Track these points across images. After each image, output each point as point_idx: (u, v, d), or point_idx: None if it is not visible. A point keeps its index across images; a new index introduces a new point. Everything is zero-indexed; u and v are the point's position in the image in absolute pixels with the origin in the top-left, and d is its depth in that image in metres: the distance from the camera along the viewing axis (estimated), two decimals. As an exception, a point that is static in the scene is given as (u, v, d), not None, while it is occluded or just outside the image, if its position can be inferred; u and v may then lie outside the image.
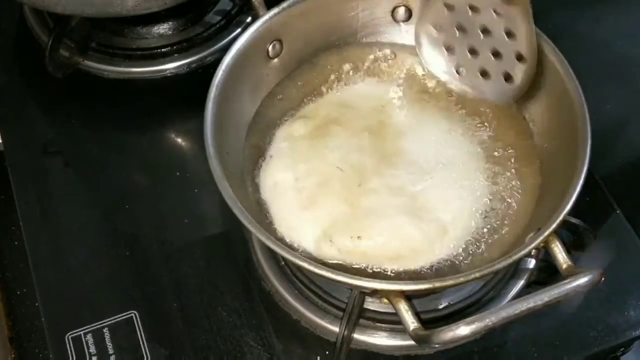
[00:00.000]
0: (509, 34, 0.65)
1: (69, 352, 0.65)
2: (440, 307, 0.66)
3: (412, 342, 0.54)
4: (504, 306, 0.52)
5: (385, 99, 0.72)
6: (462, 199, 0.64)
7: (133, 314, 0.68)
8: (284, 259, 0.68)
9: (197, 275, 0.70)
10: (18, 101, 0.84)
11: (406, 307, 0.54)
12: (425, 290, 0.57)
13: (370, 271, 0.61)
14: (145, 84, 0.84)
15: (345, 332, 0.63)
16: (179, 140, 0.82)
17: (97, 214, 0.75)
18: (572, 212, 0.56)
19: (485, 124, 0.69)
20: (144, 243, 0.72)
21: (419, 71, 0.73)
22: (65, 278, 0.70)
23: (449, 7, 0.68)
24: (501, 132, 0.69)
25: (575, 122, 0.61)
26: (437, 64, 0.71)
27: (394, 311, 0.55)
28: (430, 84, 0.72)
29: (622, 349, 0.70)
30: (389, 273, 0.61)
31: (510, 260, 0.54)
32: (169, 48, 0.85)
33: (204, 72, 0.84)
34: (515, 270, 0.69)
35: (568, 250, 0.56)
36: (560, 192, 0.57)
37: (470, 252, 0.62)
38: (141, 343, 0.66)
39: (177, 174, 0.77)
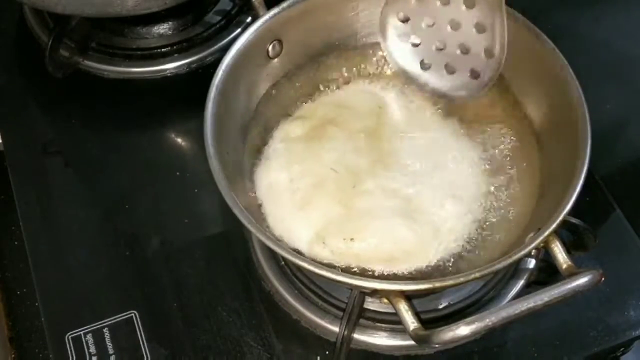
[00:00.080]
0: (479, 29, 0.64)
1: (69, 352, 0.65)
2: (440, 307, 0.66)
3: (412, 342, 0.54)
4: (504, 306, 0.52)
5: (383, 100, 0.72)
6: (458, 201, 0.64)
7: (133, 314, 0.68)
8: (284, 259, 0.68)
9: (197, 275, 0.70)
10: (18, 101, 0.84)
11: (406, 307, 0.54)
12: (425, 290, 0.57)
13: (362, 272, 0.61)
14: (145, 84, 0.84)
15: (345, 332, 0.63)
16: (179, 140, 0.82)
17: (97, 214, 0.75)
18: (572, 212, 0.56)
19: (484, 124, 0.69)
20: (144, 243, 0.72)
21: (419, 71, 0.73)
22: (65, 278, 0.70)
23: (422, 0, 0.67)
24: (500, 132, 0.69)
25: (575, 122, 0.61)
26: (401, 56, 0.71)
27: (394, 311, 0.55)
28: (429, 84, 0.72)
29: (622, 349, 0.70)
30: (382, 274, 0.61)
31: (510, 260, 0.54)
32: (169, 48, 0.85)
33: (204, 72, 0.84)
34: (515, 270, 0.69)
35: (568, 250, 0.56)
36: (560, 192, 0.57)
37: (467, 253, 0.62)
38: (141, 343, 0.66)
39: (177, 174, 0.77)
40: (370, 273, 0.61)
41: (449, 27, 0.66)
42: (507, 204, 0.65)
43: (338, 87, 0.73)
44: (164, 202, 0.75)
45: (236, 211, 0.56)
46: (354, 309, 0.63)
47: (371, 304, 0.66)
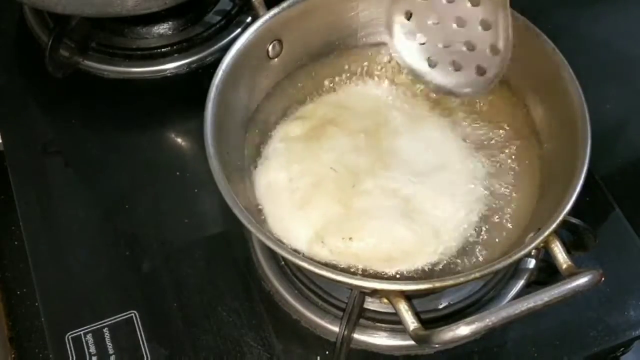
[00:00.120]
0: (485, 26, 0.64)
1: (69, 352, 0.65)
2: (440, 307, 0.66)
3: (412, 342, 0.54)
4: (504, 306, 0.52)
5: (383, 100, 0.72)
6: (457, 201, 0.64)
7: (133, 314, 0.68)
8: (284, 259, 0.68)
9: (197, 275, 0.70)
10: (18, 101, 0.84)
11: (406, 307, 0.54)
12: (425, 290, 0.57)
13: (360, 272, 0.61)
14: (145, 84, 0.84)
15: (345, 332, 0.63)
16: (179, 140, 0.82)
17: (97, 214, 0.75)
18: (572, 212, 0.56)
19: (484, 125, 0.69)
20: (144, 243, 0.72)
21: (418, 71, 0.73)
22: (65, 278, 0.70)
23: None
24: (500, 132, 0.69)
25: (575, 122, 0.61)
26: (408, 54, 0.71)
27: (394, 311, 0.55)
28: (429, 85, 0.72)
29: (622, 349, 0.70)
30: (381, 274, 0.61)
31: (510, 260, 0.54)
32: (169, 48, 0.85)
33: (204, 72, 0.84)
34: (515, 270, 0.69)
35: (568, 250, 0.56)
36: (560, 192, 0.57)
37: (466, 253, 0.62)
38: (141, 343, 0.66)
39: (177, 174, 0.77)
40: (369, 273, 0.61)
41: (454, 25, 0.67)
42: (507, 204, 0.65)
43: (338, 87, 0.73)
44: (164, 202, 0.75)
45: (236, 211, 0.56)
46: (354, 309, 0.64)
47: (371, 304, 0.66)
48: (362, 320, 0.66)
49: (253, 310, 0.68)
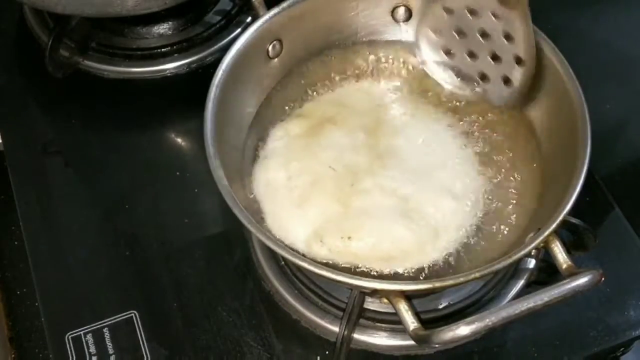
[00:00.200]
0: (508, 37, 0.65)
1: (69, 352, 0.65)
2: (440, 307, 0.66)
3: (412, 342, 0.54)
4: (504, 306, 0.52)
5: (383, 99, 0.72)
6: (456, 200, 0.64)
7: (133, 314, 0.68)
8: (284, 259, 0.68)
9: (197, 275, 0.70)
10: (18, 101, 0.84)
11: (406, 307, 0.54)
12: (425, 290, 0.57)
13: (360, 272, 0.61)
14: (145, 84, 0.84)
15: (345, 332, 0.63)
16: (179, 140, 0.82)
17: (97, 214, 0.76)
18: (572, 212, 0.56)
19: (483, 124, 0.69)
20: (144, 243, 0.72)
21: (418, 72, 0.73)
22: (65, 278, 0.70)
23: (448, 11, 0.68)
24: (499, 132, 0.69)
25: (575, 122, 0.61)
26: (436, 67, 0.72)
27: (394, 311, 0.54)
28: (428, 85, 0.72)
29: (622, 349, 0.70)
30: (380, 274, 0.61)
31: (510, 260, 0.54)
32: (169, 48, 0.85)
33: (204, 72, 0.84)
34: (515, 270, 0.69)
35: (568, 250, 0.56)
36: (560, 192, 0.57)
37: (466, 253, 0.62)
38: (141, 343, 0.66)
39: (177, 174, 0.77)
40: (368, 272, 0.61)
41: (479, 37, 0.67)
42: (507, 203, 0.65)
43: (337, 87, 0.73)
44: (164, 202, 0.75)
45: (236, 211, 0.56)
46: (354, 309, 0.64)
47: (371, 304, 0.66)
48: (362, 320, 0.66)
49: (253, 310, 0.68)
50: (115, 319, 0.67)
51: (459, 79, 0.71)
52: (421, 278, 0.60)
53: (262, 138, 0.69)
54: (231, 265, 0.71)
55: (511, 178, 0.66)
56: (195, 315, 0.68)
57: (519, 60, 0.65)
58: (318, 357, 0.66)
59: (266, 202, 0.65)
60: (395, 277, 0.61)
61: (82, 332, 0.66)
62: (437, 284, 0.54)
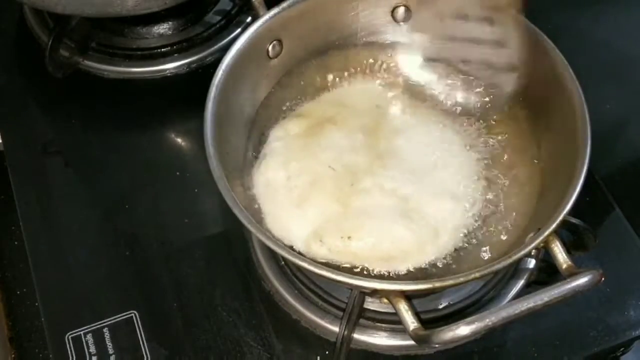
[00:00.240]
0: (501, 44, 0.65)
1: (69, 352, 0.65)
2: (440, 307, 0.66)
3: (412, 342, 0.54)
4: (504, 306, 0.52)
5: (382, 99, 0.72)
6: (456, 200, 0.64)
7: (133, 314, 0.68)
8: (284, 258, 0.68)
9: (197, 275, 0.70)
10: (18, 101, 0.84)
11: (406, 307, 0.54)
12: (425, 290, 0.57)
13: (359, 271, 0.61)
14: (145, 84, 0.84)
15: (345, 332, 0.63)
16: (179, 140, 0.82)
17: (97, 214, 0.75)
18: (572, 212, 0.56)
19: (483, 125, 0.69)
20: (144, 243, 0.72)
21: (417, 72, 0.73)
22: (65, 278, 0.70)
23: (441, 17, 0.68)
24: (499, 132, 0.69)
25: (575, 122, 0.61)
26: (428, 73, 0.71)
27: (394, 311, 0.55)
28: (428, 85, 0.72)
29: (622, 349, 0.70)
30: (380, 273, 0.61)
31: (510, 260, 0.54)
32: (169, 48, 0.85)
33: (204, 72, 0.84)
34: (515, 270, 0.69)
35: (568, 250, 0.56)
36: (560, 192, 0.57)
37: (466, 253, 0.62)
38: (141, 343, 0.66)
39: (177, 174, 0.77)
40: (368, 272, 0.61)
41: (472, 44, 0.67)
42: (507, 203, 0.65)
43: (337, 86, 0.73)
44: (164, 202, 0.75)
45: (236, 211, 0.56)
46: (354, 309, 0.63)
47: (371, 304, 0.66)
48: (362, 320, 0.66)
49: (253, 310, 0.68)
50: (115, 319, 0.67)
51: (450, 85, 0.70)
52: (421, 278, 0.60)
53: (262, 138, 0.69)
54: (231, 265, 0.71)
55: (511, 178, 0.66)
56: (195, 315, 0.68)
57: (511, 67, 0.65)
58: (318, 357, 0.66)
59: (266, 202, 0.65)
60: (395, 277, 0.61)
61: (82, 332, 0.66)
62: (437, 284, 0.54)
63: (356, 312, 0.64)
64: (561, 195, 0.57)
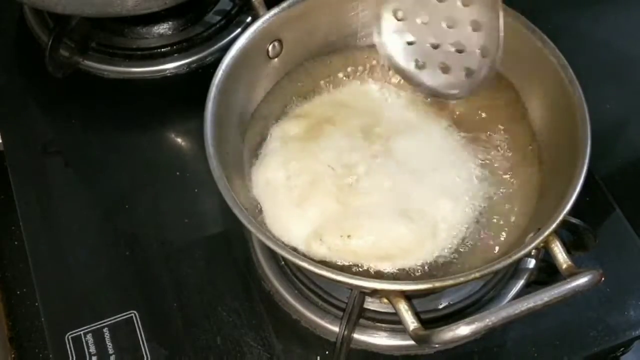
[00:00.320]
0: (475, 27, 0.64)
1: (69, 352, 0.65)
2: (440, 307, 0.66)
3: (412, 342, 0.54)
4: (504, 306, 0.52)
5: (381, 99, 0.72)
6: (455, 200, 0.64)
7: (133, 314, 0.68)
8: (284, 258, 0.68)
9: (197, 275, 0.70)
10: (18, 101, 0.84)
11: (406, 307, 0.54)
12: (425, 290, 0.57)
13: (360, 270, 0.61)
14: (145, 84, 0.84)
15: (345, 332, 0.63)
16: (179, 140, 0.82)
17: (97, 214, 0.76)
18: (572, 212, 0.56)
19: (483, 124, 0.69)
20: (144, 243, 0.72)
21: (415, 71, 0.73)
22: (65, 278, 0.70)
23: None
24: (499, 132, 0.69)
25: (575, 122, 0.61)
26: (396, 54, 0.70)
27: (394, 311, 0.55)
28: (425, 84, 0.72)
29: (622, 349, 0.70)
30: (380, 272, 0.61)
31: (510, 260, 0.54)
32: (169, 48, 0.85)
33: (204, 72, 0.84)
34: (515, 270, 0.69)
35: (568, 250, 0.56)
36: (560, 192, 0.57)
37: (466, 253, 0.62)
38: (141, 343, 0.66)
39: (177, 174, 0.77)
40: (368, 270, 0.61)
41: (444, 25, 0.66)
42: (507, 203, 0.65)
43: (337, 87, 0.73)
44: (164, 202, 0.75)
45: (236, 211, 0.56)
46: (354, 309, 0.64)
47: (371, 304, 0.66)
48: (362, 320, 0.66)
49: (253, 310, 0.68)
50: (115, 319, 0.67)
51: (419, 68, 0.69)
52: (421, 277, 0.60)
53: (262, 138, 0.69)
54: (231, 265, 0.71)
55: (511, 178, 0.66)
56: (195, 315, 0.68)
57: (484, 51, 0.64)
58: (318, 357, 0.66)
59: (265, 201, 0.65)
60: (395, 276, 0.61)
61: (82, 332, 0.66)
62: (437, 284, 0.54)
63: (356, 312, 0.64)
64: (561, 195, 0.57)
